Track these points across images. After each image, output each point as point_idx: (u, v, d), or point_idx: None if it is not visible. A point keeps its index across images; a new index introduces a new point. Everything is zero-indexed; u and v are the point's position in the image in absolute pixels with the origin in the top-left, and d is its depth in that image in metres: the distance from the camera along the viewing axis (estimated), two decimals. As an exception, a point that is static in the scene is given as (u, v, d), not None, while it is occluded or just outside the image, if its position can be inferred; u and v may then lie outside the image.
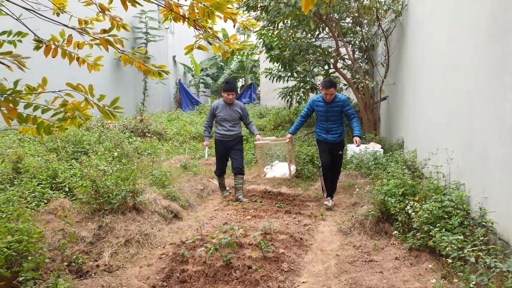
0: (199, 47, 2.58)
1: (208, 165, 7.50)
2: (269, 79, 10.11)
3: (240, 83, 21.20)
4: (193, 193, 5.71)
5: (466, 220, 3.24)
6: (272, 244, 3.79)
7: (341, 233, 4.26)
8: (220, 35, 2.73)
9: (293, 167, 5.69)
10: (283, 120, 11.41)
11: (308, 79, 9.08)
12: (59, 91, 2.25)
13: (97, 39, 2.50)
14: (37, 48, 2.45)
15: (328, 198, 5.16)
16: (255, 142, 5.76)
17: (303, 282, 3.25)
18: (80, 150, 6.06)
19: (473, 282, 2.28)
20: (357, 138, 4.91)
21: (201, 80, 18.27)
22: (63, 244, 3.15)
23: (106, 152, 5.79)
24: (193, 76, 18.37)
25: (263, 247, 3.56)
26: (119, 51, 2.71)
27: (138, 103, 11.84)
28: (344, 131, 5.16)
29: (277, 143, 6.18)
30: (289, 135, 5.41)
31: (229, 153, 5.64)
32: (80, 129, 7.00)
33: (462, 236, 2.97)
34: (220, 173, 5.80)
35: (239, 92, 19.53)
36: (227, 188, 6.04)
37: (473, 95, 3.56)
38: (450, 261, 2.71)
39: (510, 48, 2.89)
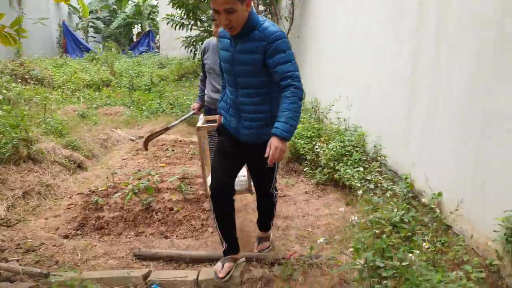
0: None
1: (109, 115, 6.94)
2: (171, 26, 9.53)
3: (136, 29, 19.50)
4: (96, 143, 5.27)
5: (363, 156, 3.75)
6: (191, 187, 3.81)
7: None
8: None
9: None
10: (186, 71, 11.06)
11: (211, 28, 8.87)
12: None
13: None
14: None
15: (227, 257, 2.35)
16: (197, 125, 2.87)
17: (224, 219, 3.38)
18: None
19: (373, 204, 2.71)
20: (275, 141, 1.95)
21: (90, 24, 16.24)
22: None
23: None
24: (80, 19, 16.17)
25: (183, 190, 3.56)
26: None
27: (12, 44, 9.99)
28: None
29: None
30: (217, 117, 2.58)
31: None
32: None
33: (362, 169, 3.45)
34: None
35: (135, 40, 18.02)
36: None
37: (372, 50, 3.96)
38: (352, 189, 3.13)
39: (402, 5, 3.24)
